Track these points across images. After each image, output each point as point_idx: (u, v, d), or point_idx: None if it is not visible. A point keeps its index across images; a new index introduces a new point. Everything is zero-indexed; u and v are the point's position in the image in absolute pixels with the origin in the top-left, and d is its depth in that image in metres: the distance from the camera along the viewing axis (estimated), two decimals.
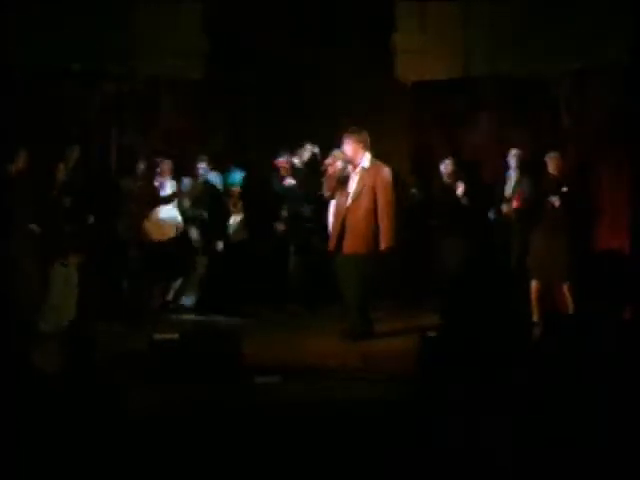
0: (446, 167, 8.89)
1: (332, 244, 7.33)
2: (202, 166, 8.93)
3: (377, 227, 7.16)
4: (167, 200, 8.54)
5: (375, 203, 7.15)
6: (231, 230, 8.94)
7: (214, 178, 9.14)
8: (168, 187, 8.64)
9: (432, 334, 5.41)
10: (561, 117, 9.03)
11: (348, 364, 6.40)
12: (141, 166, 8.55)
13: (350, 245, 7.21)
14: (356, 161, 7.23)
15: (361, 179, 7.23)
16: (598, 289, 7.16)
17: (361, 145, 7.21)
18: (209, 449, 4.23)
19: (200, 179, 8.96)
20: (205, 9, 9.69)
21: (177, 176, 8.82)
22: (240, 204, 8.93)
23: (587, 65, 8.85)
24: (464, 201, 8.58)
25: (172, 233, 8.58)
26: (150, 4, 9.50)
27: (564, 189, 7.64)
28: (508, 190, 8.59)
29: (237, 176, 9.14)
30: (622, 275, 7.06)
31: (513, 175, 8.66)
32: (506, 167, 8.73)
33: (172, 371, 5.79)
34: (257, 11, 9.65)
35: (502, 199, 8.57)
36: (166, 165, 8.62)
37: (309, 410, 5.08)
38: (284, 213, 8.86)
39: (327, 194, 7.49)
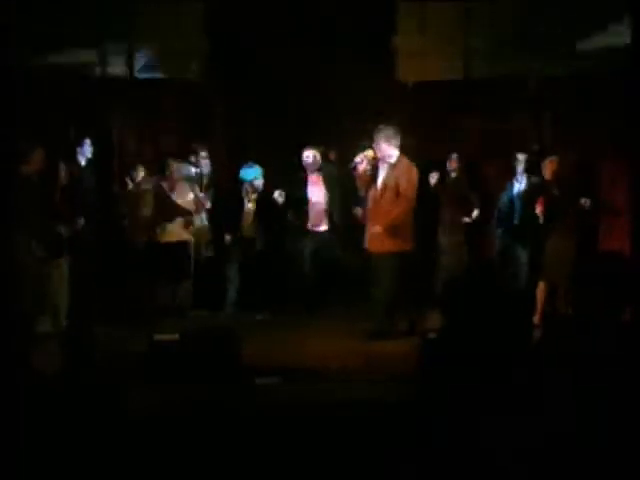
0: (451, 163, 8.99)
1: (367, 242, 7.33)
2: (203, 155, 8.95)
3: (407, 224, 7.17)
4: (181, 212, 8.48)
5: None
6: (245, 226, 8.88)
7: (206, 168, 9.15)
8: (179, 189, 8.60)
9: (433, 335, 5.41)
10: (561, 117, 9.03)
11: (348, 365, 6.39)
12: (140, 171, 8.52)
13: (380, 243, 7.18)
14: (385, 159, 7.24)
15: (387, 176, 7.23)
16: (598, 290, 7.15)
17: (391, 142, 7.21)
18: (209, 449, 4.23)
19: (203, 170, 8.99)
20: (206, 9, 9.69)
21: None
22: (254, 197, 8.83)
23: (587, 65, 8.85)
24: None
25: (182, 235, 8.55)
26: (150, 4, 9.51)
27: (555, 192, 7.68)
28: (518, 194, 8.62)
29: (252, 171, 9.03)
30: (622, 276, 7.06)
31: (522, 180, 8.67)
32: (513, 172, 8.75)
33: (172, 371, 5.79)
34: (257, 11, 9.65)
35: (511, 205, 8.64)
36: (176, 167, 8.54)
37: (309, 411, 5.07)
38: (290, 216, 8.87)
39: (360, 192, 7.49)
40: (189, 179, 8.67)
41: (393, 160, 7.23)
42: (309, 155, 8.54)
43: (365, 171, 7.28)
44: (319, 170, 8.60)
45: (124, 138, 9.28)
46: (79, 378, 4.63)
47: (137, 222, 8.40)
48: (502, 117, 9.36)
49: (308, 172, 8.61)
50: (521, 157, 8.68)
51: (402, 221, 7.16)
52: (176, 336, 6.01)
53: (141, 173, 8.62)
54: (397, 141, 7.23)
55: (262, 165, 9.13)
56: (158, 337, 6.02)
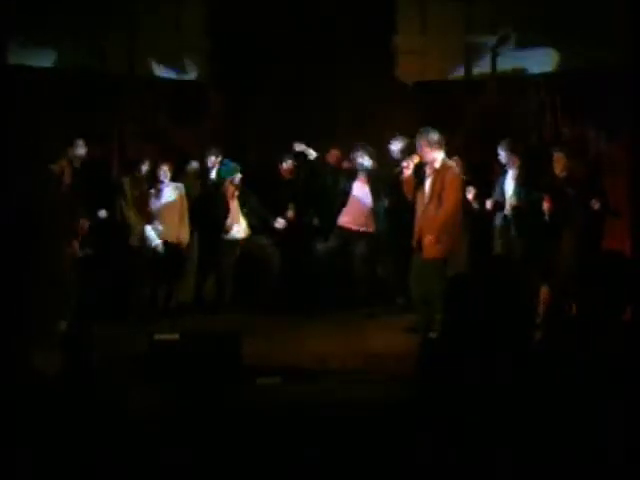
0: (457, 164, 9.00)
1: (414, 245, 7.35)
2: (212, 160, 8.98)
3: (452, 229, 7.18)
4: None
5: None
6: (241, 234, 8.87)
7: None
8: (168, 192, 8.56)
9: (433, 335, 5.41)
10: (561, 117, 9.03)
11: (348, 365, 6.40)
12: (144, 168, 8.51)
13: (427, 249, 7.20)
14: (430, 162, 7.24)
15: (433, 181, 7.22)
16: (598, 290, 7.13)
17: (433, 146, 7.20)
18: (209, 449, 4.23)
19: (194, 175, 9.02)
20: (207, 9, 9.70)
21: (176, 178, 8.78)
22: (237, 194, 8.82)
23: (587, 65, 8.85)
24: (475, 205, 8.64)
25: (174, 239, 8.55)
26: (151, 4, 9.50)
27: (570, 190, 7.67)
28: (508, 188, 8.57)
29: (230, 166, 8.99)
30: (622, 276, 7.05)
31: (511, 172, 8.64)
32: (501, 165, 8.74)
33: (172, 371, 5.79)
34: (258, 12, 9.65)
35: (502, 198, 8.60)
36: (163, 169, 8.53)
37: (309, 411, 5.07)
38: (290, 213, 8.90)
39: (408, 197, 7.46)
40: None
41: (438, 165, 7.23)
42: (362, 156, 8.63)
43: (411, 176, 7.29)
44: (365, 172, 8.69)
45: (124, 138, 9.26)
46: (79, 378, 4.62)
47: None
48: (501, 116, 9.35)
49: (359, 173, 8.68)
50: (500, 150, 8.67)
51: (448, 227, 7.16)
52: (176, 336, 6.02)
53: (145, 167, 8.58)
54: (439, 144, 7.21)
55: (263, 163, 9.16)
56: (158, 337, 6.02)
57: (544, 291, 7.70)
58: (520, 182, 8.46)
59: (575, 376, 4.12)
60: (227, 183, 8.75)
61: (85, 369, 5.21)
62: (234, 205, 8.76)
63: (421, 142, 7.21)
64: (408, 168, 7.29)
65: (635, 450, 3.56)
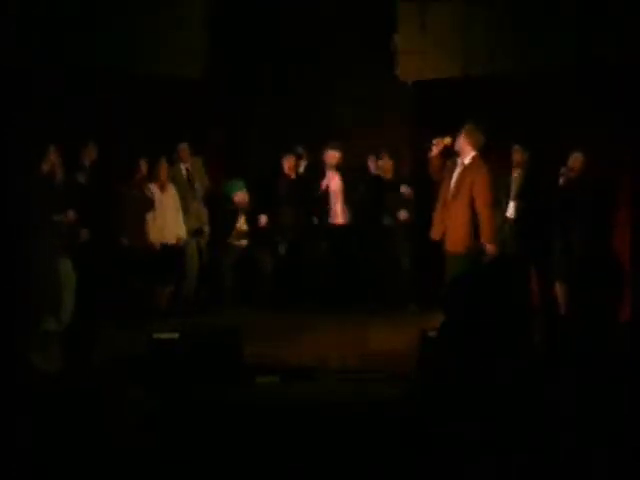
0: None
1: (435, 236, 7.30)
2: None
3: (475, 225, 7.11)
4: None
5: (472, 202, 7.10)
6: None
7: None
8: (165, 192, 8.59)
9: (433, 333, 5.40)
10: (561, 117, 9.02)
11: (348, 364, 6.40)
12: (141, 168, 8.53)
13: (450, 244, 7.16)
14: (461, 155, 7.20)
15: (461, 176, 7.17)
16: (595, 289, 7.14)
17: (470, 142, 7.16)
18: (209, 449, 4.23)
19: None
20: (207, 9, 9.69)
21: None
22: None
23: (587, 65, 8.85)
24: None
25: (173, 239, 8.55)
26: (151, 3, 9.48)
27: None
28: (514, 187, 8.56)
29: (238, 184, 9.06)
30: (620, 275, 7.06)
31: (517, 172, 8.62)
32: (509, 165, 8.73)
33: (172, 371, 5.79)
34: (258, 11, 9.66)
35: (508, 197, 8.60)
36: (163, 167, 8.56)
37: (309, 410, 5.08)
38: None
39: (433, 176, 7.43)
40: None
41: (467, 160, 7.19)
42: (335, 155, 8.86)
43: (437, 156, 7.24)
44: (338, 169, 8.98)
45: (122, 136, 9.25)
46: (78, 377, 4.62)
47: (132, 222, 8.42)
48: (503, 115, 9.34)
49: (327, 169, 8.92)
50: (516, 147, 8.65)
51: (468, 222, 7.11)
52: (176, 336, 6.01)
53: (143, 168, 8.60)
54: (476, 140, 7.17)
55: (262, 164, 9.17)
56: (158, 336, 6.01)
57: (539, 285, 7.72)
58: (524, 182, 8.47)
59: (575, 375, 4.12)
60: (238, 197, 8.87)
61: (85, 369, 5.22)
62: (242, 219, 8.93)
63: (463, 133, 7.17)
64: (437, 146, 7.25)
65: (633, 448, 3.56)
